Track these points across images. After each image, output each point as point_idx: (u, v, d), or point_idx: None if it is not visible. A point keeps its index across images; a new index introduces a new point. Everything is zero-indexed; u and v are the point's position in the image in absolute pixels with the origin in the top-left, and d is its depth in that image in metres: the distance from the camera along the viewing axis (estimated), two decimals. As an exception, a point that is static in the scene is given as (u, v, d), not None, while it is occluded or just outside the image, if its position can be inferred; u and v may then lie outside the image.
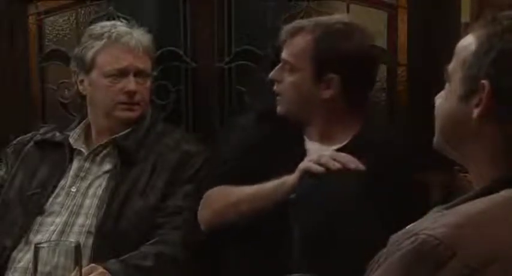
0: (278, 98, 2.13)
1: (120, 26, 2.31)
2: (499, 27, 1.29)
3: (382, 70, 2.48)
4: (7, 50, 2.80)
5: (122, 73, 2.24)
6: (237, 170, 2.10)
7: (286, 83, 2.10)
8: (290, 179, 1.95)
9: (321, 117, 2.10)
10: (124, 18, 2.71)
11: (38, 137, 2.34)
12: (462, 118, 1.28)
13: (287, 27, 2.13)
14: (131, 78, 2.24)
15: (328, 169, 1.88)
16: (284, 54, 2.11)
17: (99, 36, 2.27)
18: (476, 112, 1.26)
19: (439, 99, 1.35)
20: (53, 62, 2.80)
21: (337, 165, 1.88)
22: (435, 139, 1.35)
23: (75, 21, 2.80)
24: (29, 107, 2.81)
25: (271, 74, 2.14)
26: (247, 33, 2.71)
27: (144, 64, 2.27)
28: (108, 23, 2.35)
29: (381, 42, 2.60)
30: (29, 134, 2.40)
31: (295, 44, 2.08)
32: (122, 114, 2.26)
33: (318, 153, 1.97)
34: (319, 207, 1.86)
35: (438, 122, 1.34)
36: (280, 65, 2.13)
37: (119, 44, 2.26)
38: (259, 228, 2.00)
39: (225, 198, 2.07)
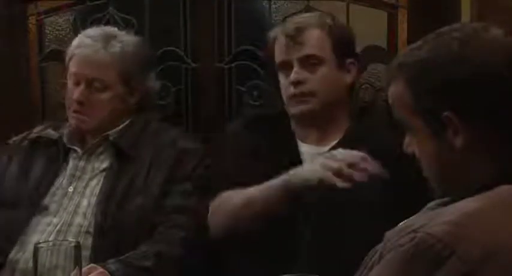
0: (304, 99, 2.08)
1: (87, 36, 2.28)
2: None
3: (382, 70, 2.48)
4: (7, 50, 2.80)
5: (76, 80, 2.25)
6: (233, 175, 2.08)
7: (318, 77, 2.07)
8: None
9: (342, 107, 2.11)
10: (124, 18, 2.73)
11: (33, 136, 2.34)
12: (447, 155, 1.27)
13: (294, 23, 2.11)
14: (81, 88, 2.23)
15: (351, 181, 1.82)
16: (305, 50, 2.08)
17: (74, 44, 2.29)
18: (459, 143, 1.25)
19: (412, 148, 1.32)
20: (53, 62, 2.79)
21: (363, 177, 1.81)
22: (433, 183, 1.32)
23: (75, 21, 2.80)
24: (29, 107, 2.81)
25: (297, 77, 2.08)
26: (247, 33, 2.71)
27: (98, 75, 2.23)
28: (88, 31, 2.33)
29: (381, 42, 2.60)
30: (23, 134, 2.39)
31: (312, 37, 2.08)
32: (72, 121, 2.27)
33: (327, 156, 1.92)
34: (330, 210, 1.86)
35: (428, 169, 1.31)
36: (299, 64, 2.08)
37: (80, 52, 2.26)
38: (270, 230, 1.99)
39: (235, 200, 2.03)
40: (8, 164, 2.32)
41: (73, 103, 2.25)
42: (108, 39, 2.28)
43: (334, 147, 2.04)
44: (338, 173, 1.82)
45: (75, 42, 2.29)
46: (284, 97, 2.12)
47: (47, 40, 2.83)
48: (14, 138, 2.40)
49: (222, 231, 2.08)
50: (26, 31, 2.81)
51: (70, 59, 2.28)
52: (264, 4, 2.76)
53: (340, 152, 1.89)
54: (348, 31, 2.16)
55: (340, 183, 1.81)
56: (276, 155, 2.07)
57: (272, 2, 2.72)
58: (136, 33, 2.69)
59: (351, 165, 1.83)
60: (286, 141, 2.12)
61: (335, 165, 1.84)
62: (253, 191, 1.99)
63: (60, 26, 2.84)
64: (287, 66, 2.10)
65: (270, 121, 2.17)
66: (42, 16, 2.82)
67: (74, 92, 2.24)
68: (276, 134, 2.13)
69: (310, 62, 2.07)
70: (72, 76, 2.27)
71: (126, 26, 2.71)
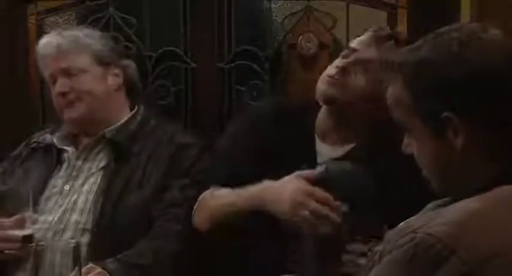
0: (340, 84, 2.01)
1: (46, 37, 2.33)
2: None
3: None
4: (7, 50, 2.80)
5: (53, 78, 2.27)
6: (246, 169, 2.06)
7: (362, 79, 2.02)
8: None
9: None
10: (124, 18, 2.73)
11: (31, 142, 2.35)
12: (447, 155, 1.27)
13: (373, 31, 2.04)
14: (60, 80, 2.25)
15: None
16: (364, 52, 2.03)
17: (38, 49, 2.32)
18: (459, 143, 1.25)
19: (411, 148, 1.33)
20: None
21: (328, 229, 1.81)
22: (433, 184, 1.32)
23: (75, 21, 2.81)
24: (28, 107, 2.81)
25: (340, 63, 2.02)
26: (247, 33, 2.72)
27: (67, 62, 2.25)
28: (45, 36, 2.36)
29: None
30: (24, 142, 2.39)
31: (382, 46, 2.01)
32: (65, 116, 2.27)
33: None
34: None
35: (428, 169, 1.31)
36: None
37: (41, 55, 2.29)
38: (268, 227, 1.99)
39: (217, 200, 2.02)
40: (11, 175, 2.32)
41: (58, 99, 2.25)
42: (65, 32, 2.30)
43: (351, 152, 2.02)
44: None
45: (37, 50, 2.31)
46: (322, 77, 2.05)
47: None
48: (16, 151, 2.39)
49: (207, 231, 2.04)
50: (26, 31, 2.81)
51: (41, 64, 2.30)
52: (264, 4, 2.76)
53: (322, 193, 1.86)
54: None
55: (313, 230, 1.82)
56: (289, 152, 2.03)
57: (272, 2, 2.72)
58: (136, 33, 2.72)
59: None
60: (305, 137, 2.07)
61: (306, 213, 1.82)
62: (230, 197, 1.98)
63: (60, 26, 2.83)
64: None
65: (288, 114, 2.11)
66: (42, 16, 2.83)
67: (56, 88, 2.25)
68: (294, 128, 2.08)
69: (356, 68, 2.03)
70: (48, 78, 2.29)
71: (126, 25, 2.73)
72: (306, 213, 1.81)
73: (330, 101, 2.02)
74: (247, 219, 1.94)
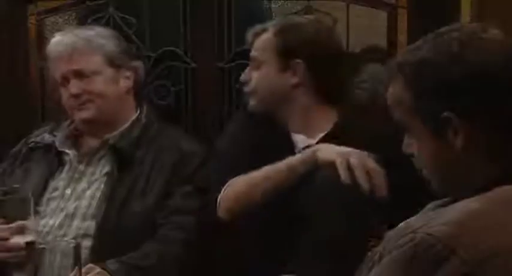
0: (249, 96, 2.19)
1: (55, 37, 2.32)
2: None
3: (382, 70, 2.48)
4: (7, 50, 2.80)
5: (65, 79, 2.25)
6: (246, 168, 2.07)
7: (255, 78, 2.15)
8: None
9: (294, 107, 2.11)
10: (124, 18, 2.73)
11: (29, 141, 2.34)
12: (447, 155, 1.27)
13: (251, 30, 2.21)
14: (72, 82, 2.24)
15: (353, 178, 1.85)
16: (251, 53, 2.19)
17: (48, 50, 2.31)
18: (459, 143, 1.25)
19: (412, 150, 1.33)
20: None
21: (367, 187, 1.84)
22: (433, 184, 1.32)
23: (75, 21, 2.81)
24: (28, 107, 2.81)
25: (241, 77, 2.22)
26: (247, 33, 2.71)
27: (80, 64, 2.24)
28: (55, 36, 2.35)
29: (381, 42, 2.60)
30: (22, 140, 2.39)
31: (259, 40, 2.17)
32: (76, 117, 2.27)
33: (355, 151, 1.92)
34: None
35: (428, 169, 1.31)
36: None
37: (53, 54, 2.28)
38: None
39: (248, 179, 2.04)
40: (10, 175, 2.32)
41: (71, 100, 2.25)
42: (77, 31, 2.30)
43: (322, 140, 2.07)
44: (349, 168, 1.86)
45: (48, 48, 2.30)
46: None
47: (47, 40, 2.83)
48: (16, 148, 2.38)
49: (229, 212, 2.07)
50: (26, 31, 2.81)
51: (52, 65, 2.29)
52: (264, 4, 2.76)
53: (366, 156, 1.90)
54: (305, 32, 2.14)
55: (344, 177, 1.84)
56: (270, 146, 2.08)
57: (272, 2, 2.73)
58: (136, 33, 2.71)
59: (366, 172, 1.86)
60: (280, 132, 2.13)
61: (353, 160, 1.86)
62: (259, 174, 2.02)
63: (60, 26, 2.83)
64: None
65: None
66: (42, 16, 2.82)
67: (69, 89, 2.24)
68: (270, 126, 2.14)
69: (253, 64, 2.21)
70: (59, 79, 2.27)
71: (126, 25, 2.73)
72: (355, 160, 1.85)
73: (256, 109, 2.16)
74: (260, 207, 1.99)
